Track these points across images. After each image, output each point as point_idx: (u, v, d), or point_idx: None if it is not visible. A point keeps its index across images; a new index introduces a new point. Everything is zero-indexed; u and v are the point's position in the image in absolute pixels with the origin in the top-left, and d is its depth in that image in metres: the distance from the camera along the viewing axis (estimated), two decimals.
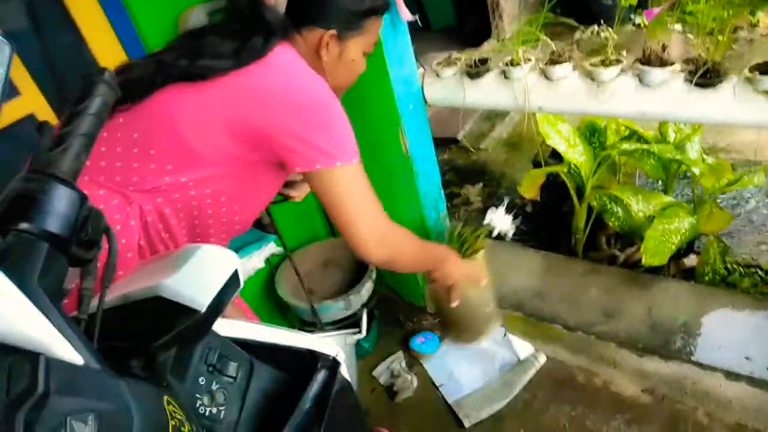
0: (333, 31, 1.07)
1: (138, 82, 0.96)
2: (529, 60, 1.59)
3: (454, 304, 1.34)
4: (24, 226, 0.53)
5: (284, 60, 1.00)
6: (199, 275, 0.71)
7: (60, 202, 0.57)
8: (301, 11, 1.06)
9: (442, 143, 3.40)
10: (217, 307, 0.71)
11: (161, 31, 1.58)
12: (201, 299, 0.69)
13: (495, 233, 1.58)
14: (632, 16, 4.07)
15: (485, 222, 1.58)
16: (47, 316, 0.50)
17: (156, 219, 1.00)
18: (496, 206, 1.61)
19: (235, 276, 0.73)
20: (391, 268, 1.18)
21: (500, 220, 1.57)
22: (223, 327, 0.84)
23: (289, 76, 0.98)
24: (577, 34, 4.26)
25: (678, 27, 1.60)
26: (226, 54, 0.95)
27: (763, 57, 1.41)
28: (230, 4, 1.05)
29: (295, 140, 0.97)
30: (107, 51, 1.49)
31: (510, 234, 1.58)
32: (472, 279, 1.39)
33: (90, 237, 0.59)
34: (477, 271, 1.41)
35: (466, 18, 4.88)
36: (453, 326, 1.61)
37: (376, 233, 1.07)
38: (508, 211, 1.59)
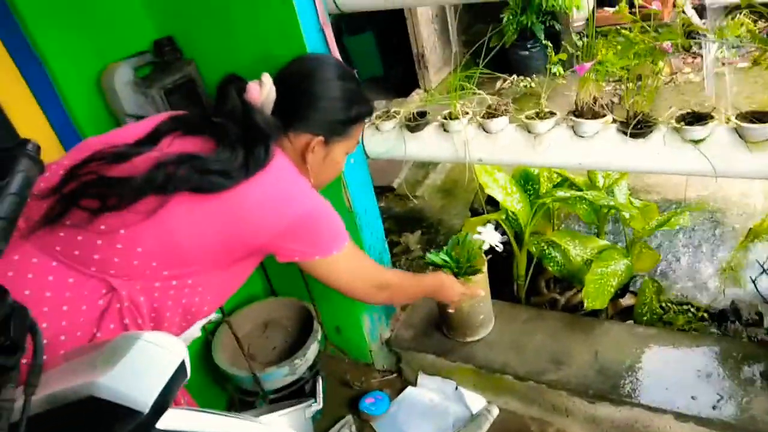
0: (321, 138, 1.11)
1: (140, 187, 0.87)
2: (467, 113, 1.62)
3: (451, 310, 1.72)
4: None
5: (281, 167, 1.02)
6: (140, 370, 0.63)
7: None
8: (290, 115, 1.08)
9: (379, 191, 3.39)
10: (161, 406, 0.62)
11: (83, 89, 1.49)
12: (143, 398, 0.61)
13: (486, 247, 1.71)
14: (548, 66, 4.31)
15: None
16: None
17: (131, 305, 0.91)
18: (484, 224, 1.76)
19: (182, 367, 0.65)
20: (392, 304, 1.35)
21: (489, 235, 1.70)
22: (165, 419, 0.74)
23: (287, 187, 1.01)
24: (498, 84, 4.46)
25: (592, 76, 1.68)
26: (235, 169, 0.94)
27: (670, 102, 1.51)
28: (221, 106, 1.02)
29: (294, 245, 1.03)
30: (23, 112, 1.38)
31: (500, 246, 1.72)
32: (467, 297, 1.65)
33: (13, 340, 0.50)
34: (472, 290, 1.64)
35: (393, 69, 5.01)
36: (449, 326, 1.88)
37: (373, 288, 1.22)
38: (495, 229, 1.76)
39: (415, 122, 1.68)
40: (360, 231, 1.74)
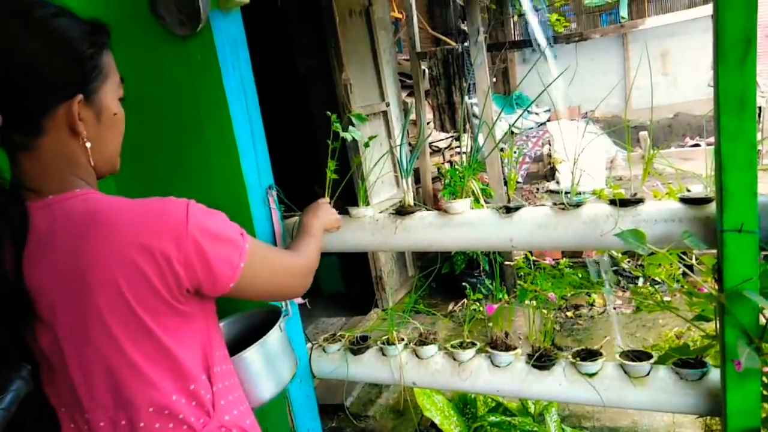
0: (79, 96, 0.86)
1: None
2: (402, 340, 1.83)
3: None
4: None
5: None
6: None
7: None
8: (14, 115, 0.83)
9: (331, 410, 3.41)
10: None
11: None
12: None
13: None
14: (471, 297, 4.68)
15: None
16: None
17: None
18: None
19: None
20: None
21: None
22: None
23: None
24: (450, 307, 4.79)
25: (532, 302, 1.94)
26: None
27: (605, 332, 1.75)
28: None
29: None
30: None
31: None
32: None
33: None
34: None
35: (353, 288, 5.35)
36: None
37: (300, 276, 1.19)
38: None
39: (358, 346, 1.88)
40: None
